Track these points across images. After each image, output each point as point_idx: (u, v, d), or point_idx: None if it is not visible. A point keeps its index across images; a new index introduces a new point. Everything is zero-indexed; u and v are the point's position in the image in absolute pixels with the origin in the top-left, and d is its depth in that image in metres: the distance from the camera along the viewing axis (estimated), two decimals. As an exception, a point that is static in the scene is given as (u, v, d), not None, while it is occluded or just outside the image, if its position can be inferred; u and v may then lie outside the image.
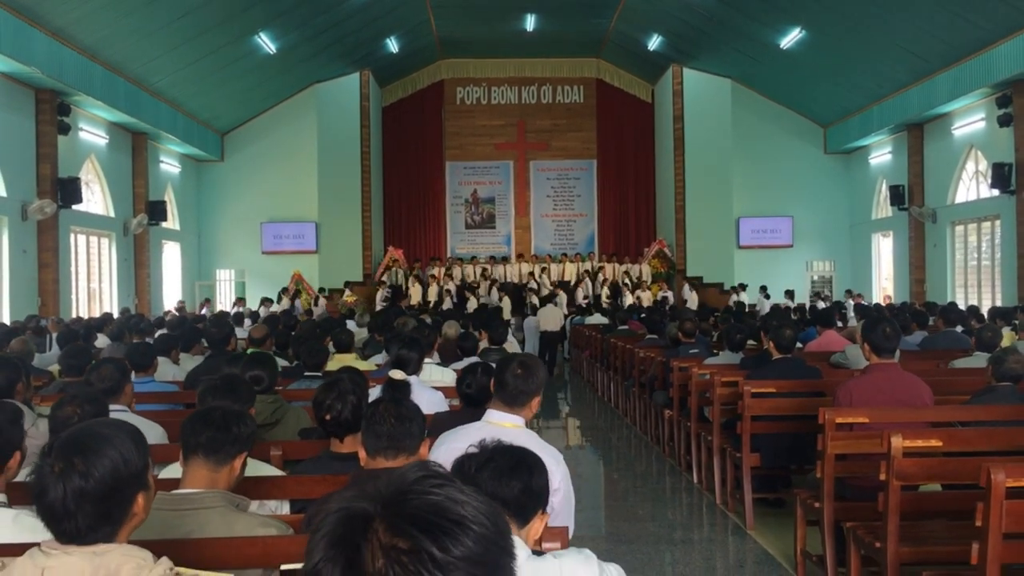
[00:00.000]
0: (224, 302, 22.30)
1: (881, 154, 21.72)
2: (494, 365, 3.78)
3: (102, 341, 9.10)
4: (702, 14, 19.45)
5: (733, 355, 7.66)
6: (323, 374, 5.53)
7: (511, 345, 8.88)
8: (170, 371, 6.63)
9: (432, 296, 21.01)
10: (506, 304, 19.91)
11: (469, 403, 4.33)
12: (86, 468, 1.78)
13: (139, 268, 18.99)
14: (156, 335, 9.30)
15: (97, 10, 14.24)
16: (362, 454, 2.87)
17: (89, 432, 1.87)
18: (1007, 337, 8.36)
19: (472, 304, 19.47)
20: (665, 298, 20.74)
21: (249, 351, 6.29)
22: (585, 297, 21.03)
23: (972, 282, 18.00)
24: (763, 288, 20.90)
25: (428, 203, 25.38)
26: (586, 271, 22.74)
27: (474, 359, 6.45)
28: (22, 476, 2.74)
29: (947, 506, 4.38)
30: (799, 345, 8.25)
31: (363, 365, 6.63)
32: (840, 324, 11.59)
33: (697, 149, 22.74)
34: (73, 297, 16.31)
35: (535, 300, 20.05)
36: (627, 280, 21.91)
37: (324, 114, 22.69)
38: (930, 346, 8.79)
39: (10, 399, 3.95)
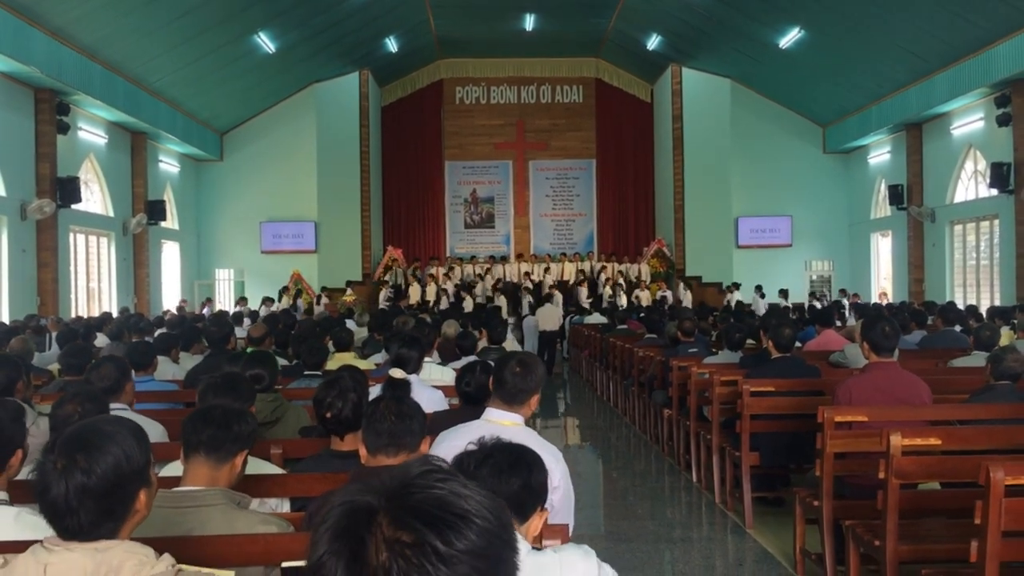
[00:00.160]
0: (224, 302, 22.29)
1: (880, 154, 21.74)
2: (493, 364, 3.79)
3: (101, 340, 9.09)
4: (701, 14, 19.45)
5: (732, 354, 7.66)
6: (323, 373, 5.53)
7: (510, 344, 8.89)
8: (170, 370, 6.63)
9: (431, 296, 21.02)
10: (502, 303, 19.92)
11: (468, 401, 4.34)
12: (88, 465, 1.79)
13: (138, 268, 18.99)
14: (156, 334, 9.30)
15: (96, 9, 14.24)
16: (363, 452, 2.87)
17: (91, 429, 1.88)
18: (1005, 336, 8.37)
19: (468, 304, 19.49)
20: (664, 297, 20.74)
21: (248, 350, 6.30)
22: (588, 298, 21.02)
23: (971, 281, 18.02)
24: (758, 287, 20.93)
25: (427, 203, 25.39)
26: (581, 271, 22.71)
27: (472, 358, 6.45)
28: (24, 474, 2.75)
29: (946, 504, 4.39)
30: (797, 344, 8.25)
31: (363, 364, 6.63)
32: (839, 324, 11.60)
33: (696, 149, 22.76)
34: (72, 296, 16.31)
35: (530, 299, 20.07)
36: (622, 280, 21.88)
37: (323, 114, 22.69)
38: (929, 345, 8.81)
39: (10, 398, 3.96)
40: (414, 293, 21.29)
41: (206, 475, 2.59)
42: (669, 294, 21.27)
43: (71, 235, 16.28)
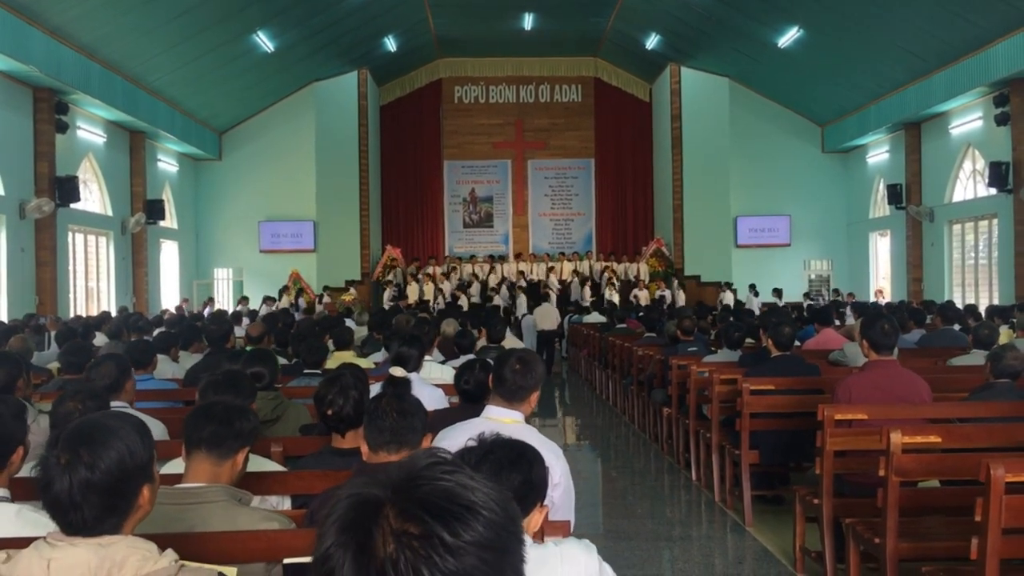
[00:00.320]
0: (223, 301, 22.27)
1: (879, 153, 21.75)
2: (492, 362, 3.79)
3: (100, 340, 9.09)
4: (700, 13, 19.46)
5: (731, 353, 7.66)
6: (322, 372, 5.54)
7: (510, 342, 8.88)
8: (169, 369, 6.62)
9: (428, 295, 21.03)
10: (500, 302, 19.94)
11: (467, 399, 4.35)
12: (92, 460, 1.79)
13: (137, 267, 18.97)
14: (155, 333, 9.29)
15: (95, 8, 14.23)
16: (364, 449, 2.88)
17: (95, 424, 1.88)
18: (1004, 335, 8.39)
19: (464, 303, 19.51)
20: (663, 297, 20.75)
21: (248, 348, 6.30)
22: (592, 297, 21.00)
23: (969, 281, 18.03)
24: (751, 286, 20.96)
25: (426, 202, 25.38)
26: (575, 271, 22.68)
27: (471, 357, 6.45)
28: (25, 472, 2.75)
29: (946, 502, 4.40)
30: (797, 343, 8.26)
31: (362, 363, 6.62)
32: (838, 322, 11.61)
33: (695, 148, 22.76)
34: (71, 296, 16.29)
35: (526, 298, 20.11)
36: (615, 279, 21.84)
37: (322, 113, 22.67)
38: (928, 344, 8.83)
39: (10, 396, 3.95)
40: (412, 293, 21.29)
41: (208, 472, 2.59)
42: (668, 293, 21.27)
43: (70, 234, 16.26)
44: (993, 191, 16.20)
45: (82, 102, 15.93)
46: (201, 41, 17.22)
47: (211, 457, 2.59)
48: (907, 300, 17.43)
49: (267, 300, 18.98)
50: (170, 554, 1.82)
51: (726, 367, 6.97)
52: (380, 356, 7.29)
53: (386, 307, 18.73)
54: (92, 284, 17.58)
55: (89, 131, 16.96)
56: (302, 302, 20.60)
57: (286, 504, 3.32)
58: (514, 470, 2.16)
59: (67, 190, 15.08)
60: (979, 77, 15.81)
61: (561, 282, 22.21)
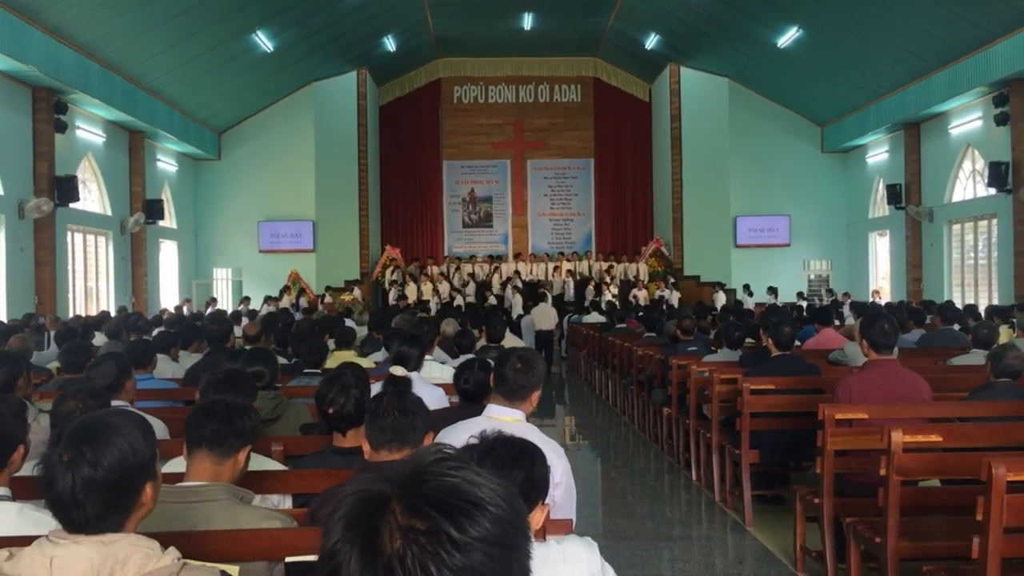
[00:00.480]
0: (222, 301, 22.26)
1: (878, 153, 21.76)
2: (490, 361, 3.79)
3: (99, 339, 9.08)
4: (699, 13, 19.46)
5: (731, 352, 7.66)
6: (322, 371, 5.53)
7: (509, 342, 8.88)
8: (169, 368, 6.62)
9: (428, 295, 21.03)
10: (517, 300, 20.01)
11: (466, 399, 4.35)
12: (95, 457, 1.78)
13: (136, 267, 18.96)
14: (154, 333, 9.28)
15: (94, 8, 14.22)
16: (366, 447, 2.87)
17: (98, 422, 1.87)
18: (1004, 335, 8.39)
19: (460, 303, 19.52)
20: (663, 297, 20.75)
21: (246, 347, 6.29)
22: (595, 296, 21.00)
23: (969, 281, 18.04)
24: (746, 286, 20.98)
25: (425, 202, 25.38)
26: (568, 271, 22.64)
27: (471, 356, 6.45)
28: (26, 470, 2.75)
29: (946, 501, 4.39)
30: (797, 343, 8.26)
31: (362, 362, 6.62)
32: (837, 322, 11.62)
33: (694, 148, 22.76)
34: (70, 295, 16.28)
35: (520, 298, 20.12)
36: (607, 279, 21.83)
37: (321, 113, 22.67)
38: (928, 344, 8.83)
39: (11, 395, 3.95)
40: (411, 292, 21.29)
41: (209, 470, 2.58)
42: (667, 293, 21.26)
43: (69, 234, 16.25)
44: (992, 191, 16.20)
45: (81, 102, 15.92)
46: (200, 41, 17.21)
47: (213, 456, 2.59)
48: (907, 300, 17.44)
49: (268, 300, 18.98)
50: (172, 552, 1.82)
51: (726, 367, 6.97)
52: (380, 356, 7.28)
53: (392, 305, 18.78)
54: (91, 284, 17.57)
55: (88, 131, 16.96)
56: (303, 302, 20.59)
57: (287, 503, 3.32)
58: (516, 467, 2.16)
59: (66, 190, 15.07)
60: (979, 77, 15.81)
61: (565, 282, 22.22)
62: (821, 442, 4.54)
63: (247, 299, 19.58)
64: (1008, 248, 15.84)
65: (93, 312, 15.63)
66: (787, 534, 5.44)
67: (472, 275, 22.59)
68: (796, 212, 23.56)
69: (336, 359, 6.46)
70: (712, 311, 14.98)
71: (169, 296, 20.95)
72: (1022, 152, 15.42)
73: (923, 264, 19.45)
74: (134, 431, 1.86)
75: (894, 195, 19.82)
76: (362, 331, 9.93)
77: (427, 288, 21.24)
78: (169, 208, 20.90)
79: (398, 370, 4.27)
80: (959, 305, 13.18)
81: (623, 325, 13.58)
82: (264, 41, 18.56)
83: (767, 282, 21.26)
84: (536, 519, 2.23)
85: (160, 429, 4.19)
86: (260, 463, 3.35)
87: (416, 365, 5.18)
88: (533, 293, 20.44)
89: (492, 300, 20.36)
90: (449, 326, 8.56)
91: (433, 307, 18.13)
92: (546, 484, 2.26)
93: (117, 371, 4.20)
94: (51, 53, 14.01)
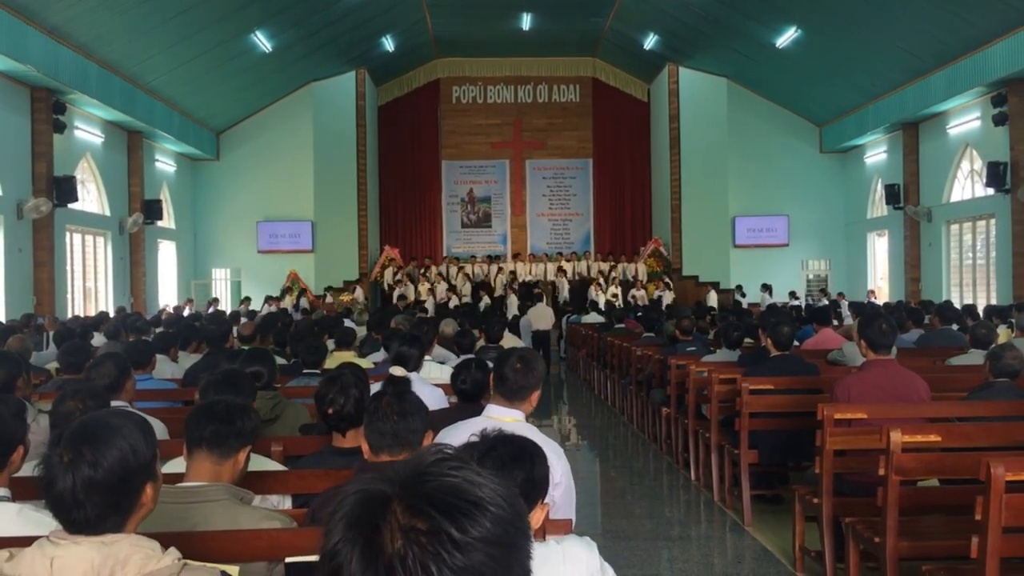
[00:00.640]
0: (222, 301, 22.25)
1: (876, 153, 21.77)
2: (488, 361, 3.79)
3: (98, 340, 9.08)
4: (698, 13, 19.47)
5: (730, 352, 7.66)
6: (321, 371, 5.53)
7: (508, 342, 8.88)
8: (168, 369, 6.61)
9: (424, 295, 21.04)
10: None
11: (464, 399, 4.35)
12: (95, 458, 1.78)
13: (135, 267, 18.95)
14: (153, 333, 9.28)
15: (93, 8, 14.22)
16: (365, 449, 2.87)
17: (98, 422, 1.87)
18: (1003, 335, 8.40)
19: (455, 303, 19.54)
20: (661, 297, 20.76)
21: (244, 348, 6.29)
22: (593, 298, 21.01)
23: (967, 281, 18.05)
24: (738, 287, 20.97)
25: (424, 202, 25.39)
26: (559, 268, 22.62)
27: (470, 357, 6.45)
28: (25, 471, 2.75)
29: (945, 501, 4.40)
30: (795, 343, 8.26)
31: (362, 363, 6.62)
32: (836, 322, 11.62)
33: (693, 148, 22.78)
34: (69, 296, 16.27)
35: (514, 298, 20.13)
36: (601, 280, 21.82)
37: (320, 113, 22.67)
38: (926, 344, 8.83)
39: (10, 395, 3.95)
40: (409, 293, 21.30)
41: (209, 471, 2.58)
42: (666, 293, 21.27)
43: (67, 234, 16.24)
44: (991, 191, 16.21)
45: (80, 102, 15.91)
46: (199, 41, 17.21)
47: (213, 456, 2.59)
48: (905, 300, 17.45)
49: (269, 300, 18.98)
50: (173, 552, 1.82)
51: (725, 367, 6.97)
52: (379, 356, 7.28)
53: (395, 305, 18.83)
54: (90, 284, 17.56)
55: (87, 131, 16.95)
56: (303, 302, 20.59)
57: (287, 503, 3.32)
58: (516, 467, 2.16)
59: (65, 190, 15.06)
60: (977, 77, 15.83)
61: (570, 281, 22.23)
62: (820, 442, 4.54)
63: (247, 299, 19.58)
64: (1006, 248, 15.85)
65: (92, 312, 15.62)
66: (786, 534, 5.44)
67: (468, 276, 22.54)
68: (795, 212, 23.56)
69: (335, 359, 6.46)
70: (711, 311, 14.99)
71: (168, 297, 20.94)
72: (1020, 152, 15.43)
73: (921, 264, 19.46)
74: (134, 431, 1.87)
75: (892, 195, 19.84)
76: (361, 331, 9.93)
77: (424, 288, 21.25)
78: (168, 208, 20.89)
79: (397, 370, 4.28)
80: (957, 305, 13.19)
81: (622, 325, 13.58)
82: (263, 41, 18.56)
83: (766, 282, 21.28)
84: (536, 519, 2.23)
85: (160, 429, 4.19)
86: (260, 463, 3.35)
87: (415, 365, 5.18)
88: (529, 294, 20.45)
89: (487, 300, 20.34)
90: (449, 326, 8.56)
91: (430, 307, 18.16)
92: (546, 483, 2.26)
93: (116, 371, 4.19)
94: (50, 53, 14.00)
